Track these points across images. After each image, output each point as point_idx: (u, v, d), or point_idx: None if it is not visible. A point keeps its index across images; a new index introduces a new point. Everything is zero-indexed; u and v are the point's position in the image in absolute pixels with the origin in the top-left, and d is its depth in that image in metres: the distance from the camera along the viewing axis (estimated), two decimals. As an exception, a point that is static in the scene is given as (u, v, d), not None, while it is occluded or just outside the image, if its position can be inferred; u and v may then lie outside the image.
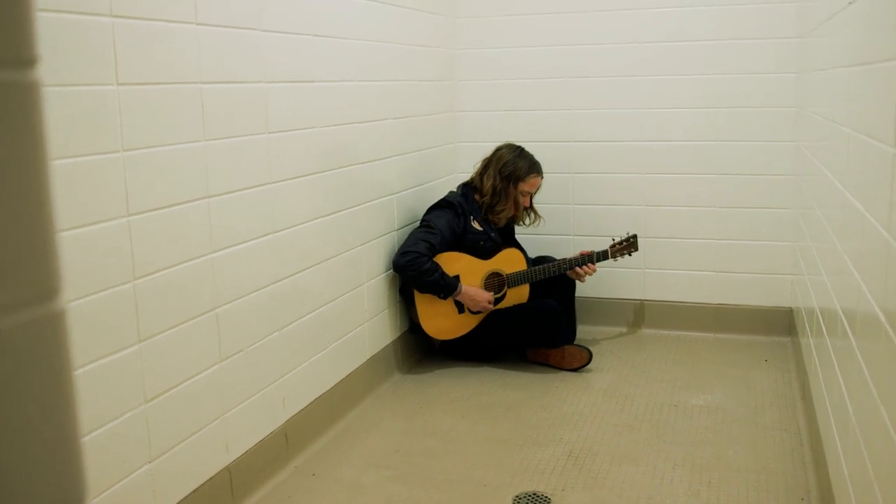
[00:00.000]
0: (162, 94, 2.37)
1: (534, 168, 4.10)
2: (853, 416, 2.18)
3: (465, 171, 4.58)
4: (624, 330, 4.66)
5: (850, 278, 2.27)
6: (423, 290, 3.88)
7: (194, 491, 2.58)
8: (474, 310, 3.98)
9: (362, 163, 3.61)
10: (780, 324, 4.40)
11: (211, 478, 2.66)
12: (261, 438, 2.94)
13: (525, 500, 2.84)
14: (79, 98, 2.07)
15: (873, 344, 1.91)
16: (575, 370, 4.02)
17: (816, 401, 3.05)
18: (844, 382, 2.36)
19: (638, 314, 4.65)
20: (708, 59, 4.33)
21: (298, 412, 3.17)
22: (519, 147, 4.15)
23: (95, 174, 2.13)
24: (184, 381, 2.52)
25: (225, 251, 2.69)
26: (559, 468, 3.05)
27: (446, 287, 3.85)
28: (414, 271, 3.78)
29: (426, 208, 4.10)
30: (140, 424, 2.34)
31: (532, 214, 4.24)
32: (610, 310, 4.69)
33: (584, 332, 4.49)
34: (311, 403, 3.26)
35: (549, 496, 2.85)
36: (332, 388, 3.42)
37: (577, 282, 4.32)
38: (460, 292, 3.89)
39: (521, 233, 4.44)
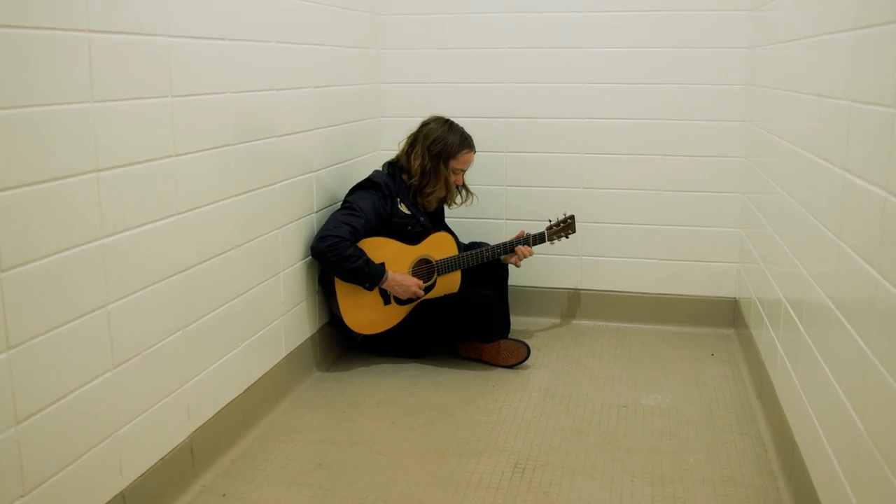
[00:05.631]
0: (38, 41, 1.90)
1: (465, 143, 3.73)
2: (860, 422, 1.89)
3: (389, 147, 4.19)
4: (557, 321, 4.35)
5: (852, 268, 1.98)
6: (345, 279, 3.47)
7: (80, 525, 2.14)
8: (403, 297, 3.59)
9: (279, 136, 3.18)
10: (724, 315, 4.16)
11: (101, 508, 2.23)
12: (162, 456, 2.50)
13: (471, 522, 2.48)
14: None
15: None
16: (511, 367, 3.69)
17: (785, 402, 2.78)
18: (840, 383, 2.07)
19: (573, 304, 4.35)
20: (653, 31, 4.03)
21: (206, 422, 2.74)
22: (447, 120, 3.76)
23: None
24: (66, 395, 2.06)
25: (118, 236, 2.23)
26: (505, 482, 2.70)
27: (371, 275, 3.45)
28: (335, 257, 3.37)
29: (347, 189, 3.69)
30: (9, 451, 1.88)
31: (464, 192, 3.87)
32: (542, 299, 4.37)
33: (514, 322, 4.16)
34: (220, 411, 2.83)
35: (497, 517, 2.50)
36: (244, 392, 3.00)
37: (510, 269, 3.99)
38: (387, 279, 3.50)
39: (450, 216, 4.07)
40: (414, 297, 3.62)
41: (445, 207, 3.97)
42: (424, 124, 3.76)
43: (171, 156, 2.46)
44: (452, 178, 3.73)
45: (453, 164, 3.71)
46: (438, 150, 3.68)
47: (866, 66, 1.98)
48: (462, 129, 3.75)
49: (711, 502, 2.57)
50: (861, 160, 1.98)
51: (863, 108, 1.97)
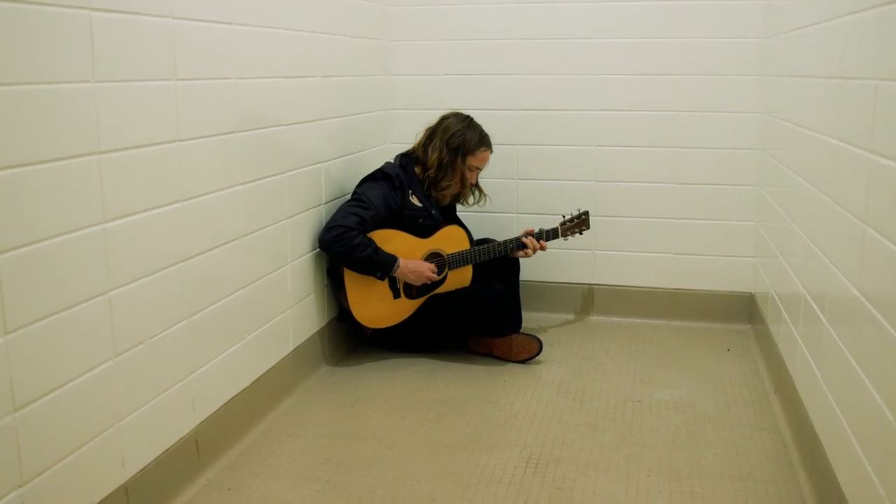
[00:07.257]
0: (37, 17, 1.85)
1: (483, 141, 3.68)
2: (890, 414, 1.81)
3: (399, 141, 4.13)
4: (571, 317, 4.27)
5: (882, 254, 1.91)
6: (355, 269, 3.41)
7: (81, 518, 2.08)
8: (417, 283, 3.53)
9: (286, 125, 3.11)
10: (740, 310, 4.08)
11: (102, 500, 2.16)
12: (165, 448, 2.44)
13: (483, 517, 2.41)
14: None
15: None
16: (523, 362, 3.62)
17: (806, 397, 2.70)
18: (867, 374, 2.00)
19: (586, 300, 4.28)
20: (666, 22, 3.95)
21: (211, 415, 2.68)
22: (467, 117, 3.71)
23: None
24: (66, 383, 2.00)
25: (120, 221, 2.18)
26: (518, 477, 2.63)
27: (381, 264, 3.39)
28: (343, 247, 3.31)
29: (357, 181, 3.63)
30: (7, 440, 1.82)
31: (477, 192, 3.81)
32: (555, 295, 4.30)
33: (526, 318, 4.08)
34: (225, 404, 2.77)
35: (510, 512, 2.43)
36: (250, 385, 2.93)
37: (522, 265, 3.91)
38: (398, 267, 3.43)
39: (461, 210, 4.00)
40: (428, 282, 3.55)
41: (458, 205, 3.90)
42: (444, 118, 3.71)
43: (175, 140, 2.40)
44: (468, 175, 3.67)
45: (470, 160, 3.65)
46: (457, 144, 3.62)
47: (893, 42, 1.90)
48: (481, 127, 3.71)
49: (731, 498, 2.50)
50: (889, 140, 1.91)
51: (890, 85, 1.90)
